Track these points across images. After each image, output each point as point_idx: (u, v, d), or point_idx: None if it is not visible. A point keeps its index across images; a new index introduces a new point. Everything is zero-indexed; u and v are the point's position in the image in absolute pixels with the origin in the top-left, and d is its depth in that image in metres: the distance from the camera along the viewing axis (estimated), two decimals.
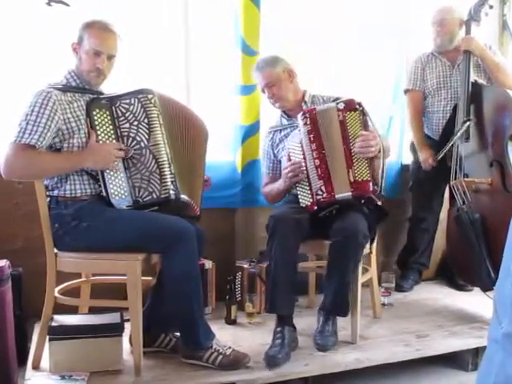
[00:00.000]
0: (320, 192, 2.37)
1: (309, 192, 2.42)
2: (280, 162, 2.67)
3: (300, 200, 2.44)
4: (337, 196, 2.35)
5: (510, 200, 2.64)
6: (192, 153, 2.34)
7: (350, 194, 2.34)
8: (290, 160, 2.48)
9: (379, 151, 2.34)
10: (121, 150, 2.12)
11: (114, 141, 2.13)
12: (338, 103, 2.40)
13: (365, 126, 2.38)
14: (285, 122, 2.68)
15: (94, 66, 2.13)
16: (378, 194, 2.39)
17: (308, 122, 2.40)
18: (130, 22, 2.71)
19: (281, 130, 2.68)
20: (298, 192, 2.46)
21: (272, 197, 2.67)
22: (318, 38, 3.23)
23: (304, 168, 2.42)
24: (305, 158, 2.42)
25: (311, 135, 2.39)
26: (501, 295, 0.94)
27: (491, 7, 3.13)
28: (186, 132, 2.31)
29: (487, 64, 3.06)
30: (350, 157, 2.35)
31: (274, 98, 2.59)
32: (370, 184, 2.33)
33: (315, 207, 2.39)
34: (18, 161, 1.99)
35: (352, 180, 2.34)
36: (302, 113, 2.45)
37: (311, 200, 2.41)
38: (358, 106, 2.39)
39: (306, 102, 2.62)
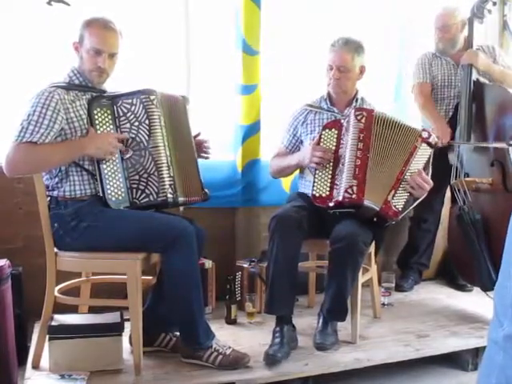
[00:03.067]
0: (350, 191, 2.31)
1: (328, 184, 2.40)
2: (302, 142, 2.63)
3: (313, 187, 2.41)
4: (365, 201, 2.31)
5: (511, 200, 2.64)
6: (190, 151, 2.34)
7: (378, 208, 2.33)
8: (318, 144, 2.44)
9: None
10: (120, 141, 2.12)
11: None
12: (423, 130, 2.46)
13: (425, 167, 2.42)
14: (324, 106, 2.63)
15: (96, 65, 2.12)
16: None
17: (363, 121, 2.37)
18: (130, 21, 2.70)
19: (316, 113, 2.62)
20: (315, 179, 2.43)
21: (279, 168, 2.64)
22: (319, 37, 3.22)
23: (331, 159, 2.41)
24: (336, 152, 2.40)
25: (362, 134, 2.36)
26: (501, 296, 0.94)
27: (494, 4, 3.11)
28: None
29: (493, 77, 3.04)
30: (400, 181, 2.37)
31: (336, 81, 2.52)
32: (397, 214, 2.35)
33: (330, 203, 2.35)
34: (18, 156, 1.99)
35: (388, 199, 2.34)
36: (357, 108, 2.45)
37: (327, 193, 2.38)
38: (434, 145, 2.46)
39: (357, 100, 2.60)
